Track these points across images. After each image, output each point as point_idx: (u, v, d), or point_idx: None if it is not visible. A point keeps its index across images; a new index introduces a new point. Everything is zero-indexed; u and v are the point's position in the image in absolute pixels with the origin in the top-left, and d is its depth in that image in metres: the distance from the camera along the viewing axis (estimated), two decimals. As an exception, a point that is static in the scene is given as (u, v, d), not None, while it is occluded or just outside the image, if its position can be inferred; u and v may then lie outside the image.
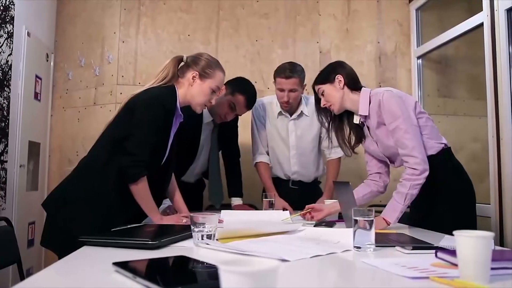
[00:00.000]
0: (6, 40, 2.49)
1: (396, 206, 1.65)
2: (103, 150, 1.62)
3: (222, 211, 2.06)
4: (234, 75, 2.36)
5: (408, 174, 1.66)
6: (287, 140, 2.46)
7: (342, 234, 1.31)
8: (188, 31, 3.22)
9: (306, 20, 3.31)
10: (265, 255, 1.04)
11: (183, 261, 0.98)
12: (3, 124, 2.49)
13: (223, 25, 3.25)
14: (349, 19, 3.34)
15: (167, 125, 1.67)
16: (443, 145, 1.78)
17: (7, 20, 2.51)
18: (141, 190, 1.56)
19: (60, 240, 1.52)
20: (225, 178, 2.52)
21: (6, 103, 2.52)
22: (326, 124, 1.93)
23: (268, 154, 2.50)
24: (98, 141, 1.67)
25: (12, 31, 2.56)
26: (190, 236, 1.25)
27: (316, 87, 1.86)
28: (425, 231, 1.62)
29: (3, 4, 2.46)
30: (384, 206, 1.72)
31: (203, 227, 1.21)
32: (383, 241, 1.26)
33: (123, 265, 0.88)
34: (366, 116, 1.79)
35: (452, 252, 0.94)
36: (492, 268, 0.82)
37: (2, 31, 2.45)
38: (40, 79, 3.00)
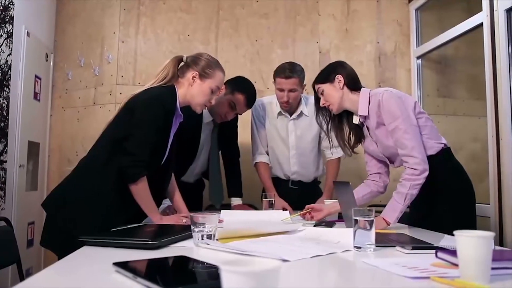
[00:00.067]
0: (5, 40, 2.49)
1: (396, 206, 1.65)
2: (103, 150, 1.61)
3: (222, 211, 2.06)
4: (233, 75, 2.36)
5: (408, 174, 1.66)
6: (287, 140, 2.46)
7: (342, 234, 1.31)
8: (187, 31, 3.22)
9: (306, 20, 3.31)
10: (265, 255, 1.04)
11: (183, 261, 0.98)
12: (2, 124, 2.49)
13: (223, 25, 3.25)
14: (348, 19, 3.34)
15: (167, 125, 1.66)
16: (442, 145, 1.78)
17: (7, 20, 2.51)
18: (140, 190, 1.56)
19: (60, 240, 1.52)
20: (224, 178, 2.52)
21: (6, 103, 2.52)
22: (325, 124, 1.93)
23: (267, 154, 2.50)
24: (98, 141, 1.67)
25: (11, 31, 2.55)
26: (190, 236, 1.25)
27: (316, 86, 1.86)
28: (425, 231, 1.62)
29: (3, 4, 2.46)
30: (384, 206, 1.72)
31: (203, 227, 1.21)
32: (383, 241, 1.26)
33: (124, 265, 0.88)
34: (365, 116, 1.79)
35: (453, 252, 0.94)
36: (492, 268, 0.82)
37: (1, 31, 2.45)
38: (40, 79, 3.00)
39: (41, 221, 2.63)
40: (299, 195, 2.41)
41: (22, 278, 1.81)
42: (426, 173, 1.64)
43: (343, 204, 1.70)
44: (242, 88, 2.25)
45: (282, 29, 3.28)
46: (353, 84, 1.82)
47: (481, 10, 2.50)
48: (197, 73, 1.72)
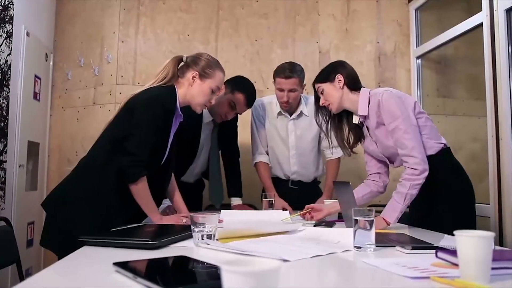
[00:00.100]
0: (5, 40, 2.49)
1: (396, 206, 1.65)
2: (103, 150, 1.61)
3: (221, 211, 2.06)
4: (233, 75, 2.36)
5: (407, 174, 1.66)
6: (287, 140, 2.46)
7: (342, 234, 1.31)
8: (187, 31, 3.22)
9: (306, 20, 3.31)
10: (266, 255, 1.04)
11: (183, 261, 0.98)
12: (2, 124, 2.49)
13: (223, 25, 3.25)
14: (348, 19, 3.34)
15: (167, 125, 1.66)
16: (442, 145, 1.78)
17: (6, 19, 2.51)
18: (140, 190, 1.56)
19: (60, 240, 1.52)
20: (224, 178, 2.51)
21: (5, 103, 2.52)
22: (324, 124, 1.93)
23: (267, 154, 2.50)
24: (98, 141, 1.67)
25: (11, 30, 2.55)
26: (190, 236, 1.25)
27: (316, 86, 1.86)
28: (424, 231, 1.62)
29: (2, 4, 2.46)
30: (384, 206, 1.72)
31: (203, 227, 1.21)
32: (383, 241, 1.26)
33: (124, 265, 0.88)
34: (365, 116, 1.79)
35: (453, 252, 0.94)
36: (492, 268, 0.82)
37: (1, 30, 2.44)
38: (39, 79, 3.00)
39: (41, 221, 2.63)
40: (299, 195, 2.41)
41: (21, 278, 1.81)
42: (426, 173, 1.64)
43: (343, 204, 1.70)
44: (242, 87, 2.25)
45: (282, 29, 3.28)
46: (353, 84, 1.82)
47: (481, 10, 2.50)
48: (197, 73, 1.72)
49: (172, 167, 1.80)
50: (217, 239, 1.25)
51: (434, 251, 1.05)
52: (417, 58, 3.30)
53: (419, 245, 1.24)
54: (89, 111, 3.16)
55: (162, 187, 1.76)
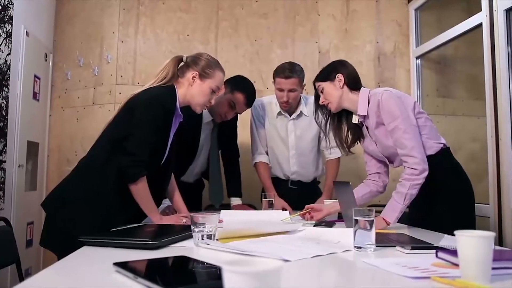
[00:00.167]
0: (4, 40, 2.48)
1: (396, 206, 1.65)
2: (103, 150, 1.61)
3: (221, 211, 2.06)
4: (233, 75, 2.36)
5: (407, 174, 1.66)
6: (287, 140, 2.46)
7: (342, 234, 1.31)
8: (187, 31, 3.22)
9: (305, 20, 3.31)
10: (266, 255, 1.04)
11: (183, 261, 0.98)
12: (1, 124, 2.48)
13: (222, 25, 3.25)
14: (348, 19, 3.34)
15: (167, 125, 1.66)
16: (442, 145, 1.78)
17: (6, 19, 2.50)
18: (140, 190, 1.56)
19: (60, 240, 1.51)
20: (224, 178, 2.51)
21: (5, 102, 2.51)
22: (324, 122, 1.93)
23: (267, 154, 2.50)
24: (98, 141, 1.67)
25: (10, 30, 2.55)
26: (190, 236, 1.25)
27: (316, 84, 1.86)
28: (424, 231, 1.62)
29: (2, 4, 2.46)
30: (383, 206, 1.72)
31: (203, 227, 1.21)
32: (383, 241, 1.26)
33: (124, 265, 0.88)
34: (365, 116, 1.80)
35: (453, 252, 0.94)
36: (493, 268, 0.82)
37: (0, 30, 2.44)
38: (39, 78, 3.00)
39: (40, 221, 2.63)
40: (298, 195, 2.41)
41: (21, 278, 1.81)
42: (426, 173, 1.64)
43: (343, 204, 1.70)
44: (242, 87, 2.25)
45: (281, 29, 3.28)
46: (354, 83, 1.82)
47: (481, 10, 2.50)
48: (197, 73, 1.72)
49: (172, 167, 1.80)
50: (217, 239, 1.25)
51: (434, 251, 1.05)
52: (417, 58, 3.30)
53: (419, 245, 1.24)
54: (89, 111, 3.16)
55: (162, 187, 1.76)
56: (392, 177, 1.98)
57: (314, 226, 1.68)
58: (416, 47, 3.29)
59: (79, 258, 1.07)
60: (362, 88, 1.82)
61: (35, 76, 2.94)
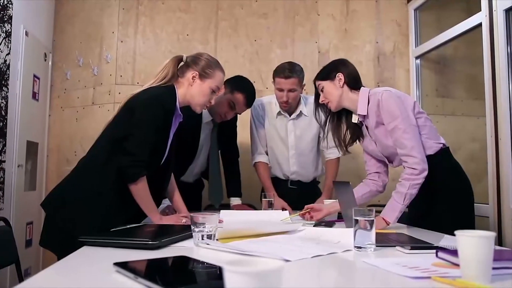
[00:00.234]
0: (4, 40, 2.48)
1: (396, 206, 1.65)
2: (102, 150, 1.61)
3: (221, 211, 2.06)
4: (232, 75, 2.36)
5: (407, 174, 1.66)
6: (286, 140, 2.46)
7: (342, 234, 1.31)
8: (187, 31, 3.21)
9: (305, 20, 3.31)
10: (266, 255, 1.04)
11: (184, 261, 0.98)
12: (1, 123, 2.48)
13: (222, 25, 3.25)
14: (347, 19, 3.34)
15: (167, 125, 1.66)
16: (441, 145, 1.79)
17: (5, 19, 2.50)
18: (140, 190, 1.56)
19: (60, 240, 1.51)
20: (223, 177, 2.51)
21: (4, 102, 2.51)
22: (323, 121, 1.93)
23: (267, 154, 2.50)
24: (97, 141, 1.67)
25: (10, 30, 2.55)
26: (190, 236, 1.25)
27: (317, 83, 1.86)
28: (424, 230, 1.62)
29: (1, 4, 2.46)
30: (383, 206, 1.72)
31: (203, 227, 1.21)
32: (383, 241, 1.26)
33: (124, 266, 0.88)
34: (364, 115, 1.80)
35: (453, 252, 0.94)
36: (493, 268, 0.82)
37: (0, 30, 2.44)
38: (38, 78, 3.00)
39: (40, 221, 2.63)
40: (298, 195, 2.41)
41: (20, 278, 1.81)
42: (426, 173, 1.65)
43: (343, 204, 1.70)
44: (242, 87, 2.25)
45: (281, 29, 3.28)
46: (354, 83, 1.82)
47: (480, 10, 2.50)
48: (197, 73, 1.72)
49: (171, 167, 1.79)
50: (217, 239, 1.25)
51: (434, 251, 1.05)
52: (416, 58, 3.30)
53: (419, 245, 1.24)
54: (88, 111, 3.16)
55: (162, 187, 1.76)
56: (392, 177, 1.98)
57: (314, 226, 1.68)
58: (415, 47, 3.30)
59: (79, 258, 1.07)
60: (362, 87, 1.82)
61: (35, 76, 2.93)
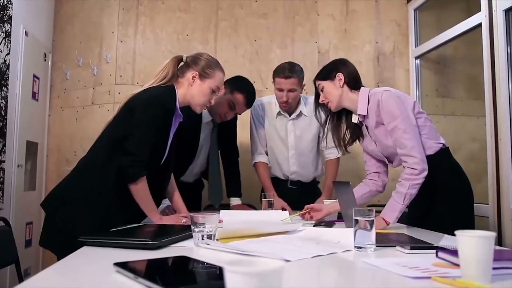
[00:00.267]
0: (4, 40, 2.48)
1: (395, 206, 1.65)
2: (102, 150, 1.61)
3: (221, 211, 2.06)
4: (232, 75, 2.36)
5: (407, 174, 1.66)
6: (286, 140, 2.46)
7: (342, 234, 1.31)
8: (186, 31, 3.21)
9: (305, 20, 3.31)
10: (266, 255, 1.04)
11: (184, 262, 0.98)
12: (0, 123, 2.48)
13: (222, 25, 3.25)
14: (347, 19, 3.34)
15: (167, 125, 1.66)
16: (441, 145, 1.79)
17: (5, 19, 2.50)
18: (140, 190, 1.56)
19: (60, 240, 1.51)
20: (223, 177, 2.51)
21: (4, 102, 2.51)
22: (323, 121, 1.93)
23: (267, 154, 2.50)
24: (97, 141, 1.67)
25: (10, 30, 2.55)
26: (190, 236, 1.25)
27: (317, 83, 1.86)
28: (424, 230, 1.62)
29: (1, 4, 2.45)
30: (383, 206, 1.72)
31: (203, 227, 1.21)
32: (383, 241, 1.26)
33: (124, 266, 0.88)
34: (364, 115, 1.80)
35: (453, 252, 0.94)
36: (493, 268, 0.82)
37: (0, 30, 2.44)
38: (38, 78, 2.99)
39: (39, 221, 2.63)
40: (298, 195, 2.41)
41: (20, 278, 1.81)
42: (425, 173, 1.65)
43: (343, 204, 1.70)
44: (242, 87, 2.25)
45: (281, 29, 3.28)
46: (354, 83, 1.82)
47: (480, 11, 2.50)
48: (197, 73, 1.72)
49: (171, 167, 1.79)
50: (217, 239, 1.25)
51: (434, 251, 1.05)
52: (416, 58, 3.30)
53: (419, 245, 1.24)
54: (88, 111, 3.16)
55: (162, 187, 1.76)
56: (392, 177, 1.98)
57: (313, 226, 1.68)
58: (415, 47, 3.30)
59: (79, 258, 1.07)
60: (362, 87, 1.82)
61: (34, 76, 2.93)
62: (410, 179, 1.65)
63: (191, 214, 1.24)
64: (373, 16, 3.36)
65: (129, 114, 1.59)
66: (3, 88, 2.50)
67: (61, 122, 3.23)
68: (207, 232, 1.20)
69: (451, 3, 3.27)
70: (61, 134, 3.21)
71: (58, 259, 1.11)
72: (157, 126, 1.60)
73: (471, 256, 0.81)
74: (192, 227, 1.22)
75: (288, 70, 2.30)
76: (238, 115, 2.37)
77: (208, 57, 1.77)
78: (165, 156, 1.70)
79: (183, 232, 1.30)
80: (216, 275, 0.86)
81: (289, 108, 2.41)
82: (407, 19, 3.36)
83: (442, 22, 3.15)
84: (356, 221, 1.16)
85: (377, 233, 1.18)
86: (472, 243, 0.81)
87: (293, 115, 2.44)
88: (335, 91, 1.81)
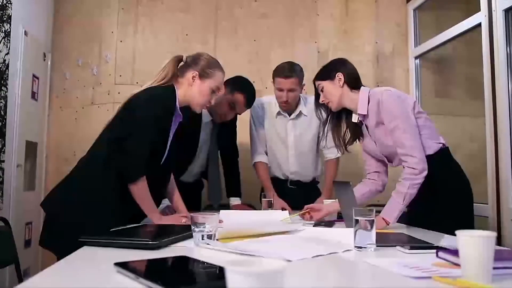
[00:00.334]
0: (3, 39, 2.48)
1: (395, 206, 1.66)
2: (102, 150, 1.61)
3: (221, 211, 2.06)
4: (232, 75, 2.35)
5: (407, 174, 1.66)
6: (286, 140, 2.46)
7: (342, 234, 1.31)
8: (186, 31, 3.21)
9: (305, 20, 3.31)
10: (267, 255, 1.04)
11: (184, 262, 0.98)
12: (0, 123, 2.48)
13: (222, 25, 3.25)
14: (347, 20, 3.35)
15: (167, 125, 1.66)
16: (441, 145, 1.79)
17: (4, 19, 2.50)
18: (140, 190, 1.55)
19: (59, 240, 1.51)
20: (223, 177, 2.51)
21: (3, 102, 2.51)
22: (324, 121, 1.93)
23: (266, 154, 2.50)
24: (97, 141, 1.67)
25: (9, 30, 2.54)
26: (191, 236, 1.24)
27: (316, 83, 1.86)
28: (423, 230, 1.62)
29: (1, 3, 2.45)
30: (382, 205, 1.72)
31: (203, 227, 1.20)
32: (383, 241, 1.26)
33: (125, 266, 0.88)
34: (364, 115, 1.80)
35: (454, 252, 0.94)
36: (494, 268, 0.83)
37: (-1, 30, 2.44)
38: (37, 78, 2.99)
39: (39, 221, 2.63)
40: (297, 195, 2.41)
41: (20, 278, 1.81)
42: (425, 173, 1.65)
43: (343, 204, 1.70)
44: (242, 88, 2.25)
45: (280, 29, 3.28)
46: (354, 82, 1.82)
47: (479, 11, 2.51)
48: (197, 73, 1.71)
49: (171, 167, 1.79)
50: (217, 239, 1.25)
51: (434, 251, 1.05)
52: (416, 58, 3.30)
53: (420, 245, 1.24)
54: (87, 111, 3.15)
55: (162, 187, 1.76)
56: (391, 177, 1.98)
57: (313, 226, 1.68)
58: (415, 47, 3.30)
59: (80, 259, 1.07)
60: (362, 87, 1.83)
61: (34, 75, 2.93)
62: (410, 179, 1.65)
63: (191, 214, 1.24)
64: (373, 16, 3.36)
65: (129, 114, 1.59)
66: (2, 88, 2.49)
67: (61, 122, 3.22)
68: (207, 232, 1.20)
69: (450, 3, 3.28)
70: (61, 134, 3.21)
71: (58, 259, 1.11)
72: (157, 126, 1.60)
73: (472, 256, 0.81)
74: (192, 227, 1.22)
75: (288, 70, 2.30)
76: (238, 115, 2.37)
77: (208, 57, 1.77)
78: (165, 156, 1.70)
79: (183, 232, 1.30)
80: (216, 275, 0.86)
81: (289, 108, 2.41)
82: (407, 19, 3.36)
83: (442, 22, 3.16)
84: (357, 221, 1.16)
85: (377, 233, 1.18)
86: (473, 243, 0.81)
87: (293, 115, 2.44)
88: (336, 91, 1.81)
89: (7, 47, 2.52)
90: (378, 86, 3.22)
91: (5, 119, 2.53)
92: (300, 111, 2.43)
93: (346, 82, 1.80)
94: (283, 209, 2.17)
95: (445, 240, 1.33)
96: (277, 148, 2.48)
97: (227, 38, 3.24)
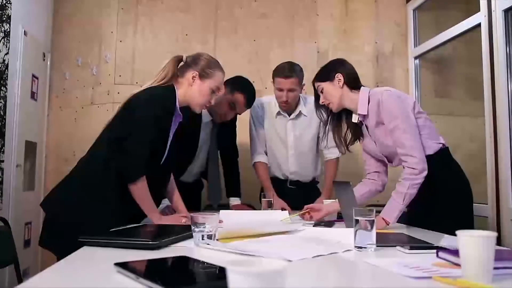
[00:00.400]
0: (2, 39, 2.47)
1: (395, 206, 1.66)
2: (102, 150, 1.61)
3: (220, 211, 2.05)
4: (232, 75, 2.35)
5: (407, 174, 1.66)
6: (286, 140, 2.46)
7: (342, 234, 1.31)
8: (186, 31, 3.21)
9: (304, 20, 3.31)
10: (267, 255, 1.03)
11: (184, 262, 0.98)
12: (-1, 123, 2.48)
13: (221, 25, 3.25)
14: (347, 19, 3.35)
15: (166, 125, 1.66)
16: (441, 145, 1.79)
17: (4, 19, 2.49)
18: (140, 190, 1.55)
19: (59, 241, 1.50)
20: (223, 177, 2.51)
21: (3, 102, 2.50)
22: (324, 121, 1.93)
23: (266, 154, 2.50)
24: (97, 141, 1.67)
25: (8, 30, 2.54)
26: (191, 236, 1.24)
27: (316, 84, 1.86)
28: (423, 230, 1.62)
29: (0, 3, 2.45)
30: (382, 205, 1.72)
31: (203, 227, 1.20)
32: (383, 241, 1.26)
33: (125, 266, 0.88)
34: (364, 115, 1.80)
35: (454, 252, 0.94)
36: (494, 268, 0.83)
37: (-2, 30, 2.43)
38: (37, 78, 2.99)
39: (38, 221, 2.63)
40: (297, 195, 2.41)
41: (19, 278, 1.80)
42: (425, 173, 1.65)
43: (343, 204, 1.70)
44: (242, 88, 2.25)
45: (280, 29, 3.28)
46: (353, 83, 1.82)
47: (479, 11, 2.51)
48: (197, 73, 1.71)
49: (171, 167, 1.79)
50: (217, 239, 1.25)
51: (434, 251, 1.05)
52: (415, 58, 3.31)
53: (420, 245, 1.24)
54: (87, 111, 3.15)
55: (162, 187, 1.76)
56: (391, 177, 1.98)
57: (313, 226, 1.68)
58: (414, 47, 3.30)
59: (80, 259, 1.06)
60: (362, 87, 1.83)
61: (33, 75, 2.93)
62: (410, 179, 1.65)
63: (191, 214, 1.24)
64: (373, 16, 3.36)
65: (129, 114, 1.58)
66: (2, 88, 2.49)
67: (60, 122, 3.22)
68: (207, 232, 1.20)
69: (450, 3, 3.28)
70: (60, 134, 3.21)
71: (58, 259, 1.11)
72: (157, 126, 1.60)
73: (472, 256, 0.81)
74: (192, 227, 1.21)
75: (288, 70, 2.30)
76: (238, 115, 2.37)
77: (208, 57, 1.77)
78: (165, 156, 1.70)
79: (183, 232, 1.30)
80: (216, 275, 0.85)
81: (288, 108, 2.41)
82: (406, 19, 3.36)
83: (441, 22, 3.16)
84: (357, 221, 1.16)
85: (377, 233, 1.18)
86: (474, 243, 0.81)
87: (293, 115, 2.44)
88: (335, 92, 1.81)
89: (6, 47, 2.52)
90: (377, 86, 3.23)
91: (5, 119, 2.53)
92: (300, 111, 2.43)
93: (345, 83, 1.80)
94: (283, 209, 2.17)
95: (445, 240, 1.33)
96: (277, 148, 2.48)
97: (227, 38, 3.24)
